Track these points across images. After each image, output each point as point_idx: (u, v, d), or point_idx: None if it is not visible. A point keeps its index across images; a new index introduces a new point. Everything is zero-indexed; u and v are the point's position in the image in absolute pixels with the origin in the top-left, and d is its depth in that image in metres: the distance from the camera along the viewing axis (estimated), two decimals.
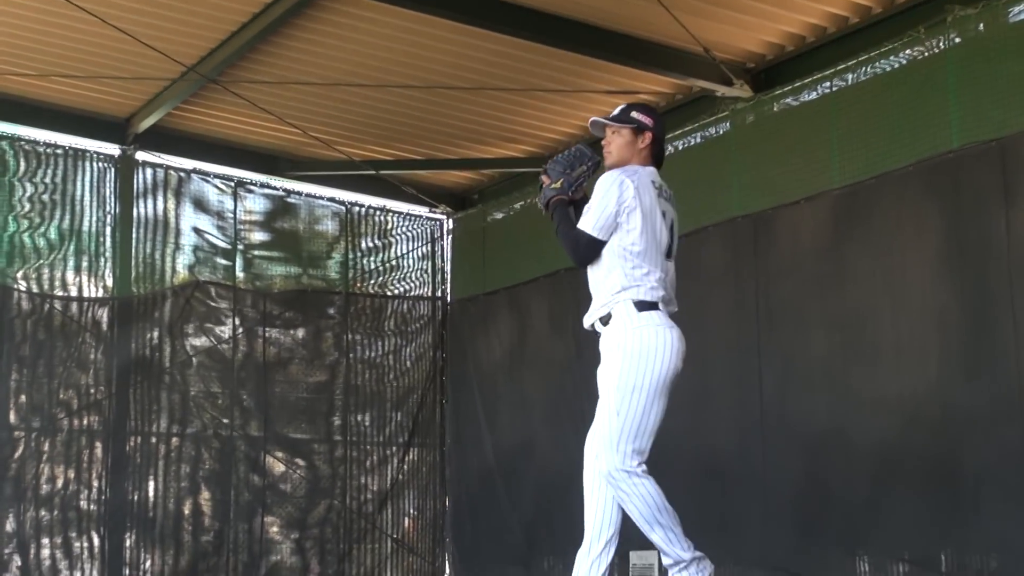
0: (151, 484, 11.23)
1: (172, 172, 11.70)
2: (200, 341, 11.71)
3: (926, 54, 8.53)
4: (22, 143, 10.93)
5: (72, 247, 11.11)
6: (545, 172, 5.47)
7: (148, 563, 11.10)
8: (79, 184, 11.17)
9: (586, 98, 10.52)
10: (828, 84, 9.19)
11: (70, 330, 11.01)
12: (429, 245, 13.32)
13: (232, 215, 12.03)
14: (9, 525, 10.50)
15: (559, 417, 10.87)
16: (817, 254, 9.13)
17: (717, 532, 8.72)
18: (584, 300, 5.47)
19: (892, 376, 8.42)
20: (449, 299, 13.27)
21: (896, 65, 8.77)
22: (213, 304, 11.80)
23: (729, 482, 9.44)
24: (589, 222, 5.06)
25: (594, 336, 5.37)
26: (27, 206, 10.87)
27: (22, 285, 10.80)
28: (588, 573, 4.96)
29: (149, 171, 11.56)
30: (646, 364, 4.89)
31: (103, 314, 11.19)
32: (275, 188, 12.36)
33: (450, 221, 13.37)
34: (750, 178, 9.77)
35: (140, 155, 11.46)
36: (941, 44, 8.40)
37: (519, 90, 10.47)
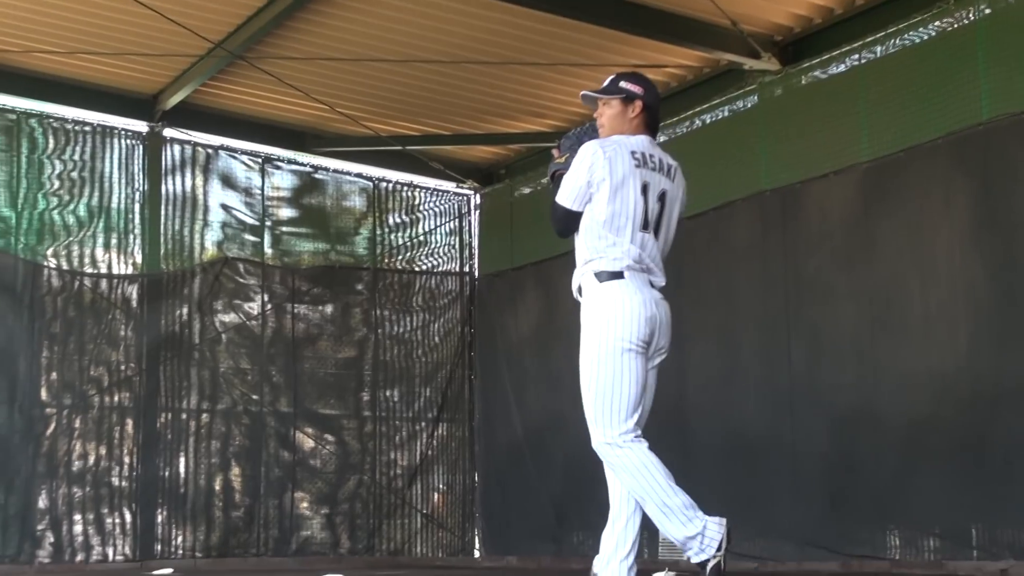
0: (182, 460, 11.32)
1: (200, 149, 11.75)
2: (229, 317, 11.77)
3: (955, 25, 8.46)
4: (51, 121, 10.99)
5: (101, 224, 11.17)
6: (557, 146, 5.45)
7: (179, 539, 11.20)
8: (107, 161, 11.23)
9: (613, 72, 10.43)
10: (856, 57, 9.13)
11: (100, 307, 11.07)
12: (456, 220, 13.33)
13: (260, 191, 12.07)
14: (42, 502, 10.60)
15: None
16: (846, 228, 9.08)
17: (746, 506, 8.72)
18: None
19: (921, 350, 8.39)
20: (477, 274, 13.29)
21: (925, 37, 8.70)
22: (242, 280, 11.85)
23: (758, 456, 9.42)
24: (562, 193, 5.03)
25: None
26: (56, 183, 10.94)
27: (52, 262, 10.88)
28: (614, 550, 4.89)
29: (177, 148, 11.63)
30: (603, 333, 4.78)
31: (132, 291, 11.25)
32: (302, 164, 12.39)
33: (477, 196, 13.36)
34: (778, 152, 9.71)
35: (168, 132, 11.52)
36: (971, 15, 8.33)
37: (546, 64, 10.43)
